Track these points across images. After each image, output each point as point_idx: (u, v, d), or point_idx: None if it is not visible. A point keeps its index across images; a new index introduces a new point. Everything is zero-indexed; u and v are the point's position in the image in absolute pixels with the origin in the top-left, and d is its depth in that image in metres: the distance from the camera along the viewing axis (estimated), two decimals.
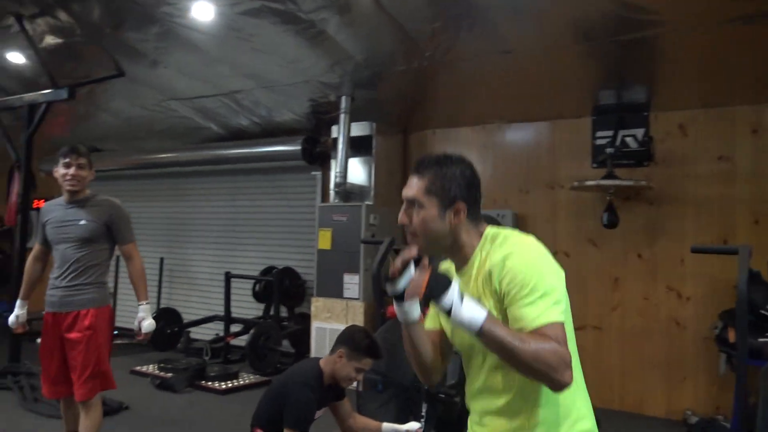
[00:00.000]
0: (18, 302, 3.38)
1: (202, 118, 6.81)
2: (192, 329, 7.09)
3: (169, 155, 7.57)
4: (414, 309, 1.58)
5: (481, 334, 1.40)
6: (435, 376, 1.81)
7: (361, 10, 4.50)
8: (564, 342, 1.41)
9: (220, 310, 7.07)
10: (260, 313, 6.91)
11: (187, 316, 7.14)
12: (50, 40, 5.47)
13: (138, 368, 5.93)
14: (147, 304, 3.29)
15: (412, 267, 1.51)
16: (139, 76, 5.99)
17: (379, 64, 5.20)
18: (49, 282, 3.25)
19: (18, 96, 5.75)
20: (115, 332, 7.57)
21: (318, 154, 6.58)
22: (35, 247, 3.43)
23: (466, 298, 1.42)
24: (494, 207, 5.70)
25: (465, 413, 3.93)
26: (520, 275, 1.47)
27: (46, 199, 9.51)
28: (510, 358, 1.40)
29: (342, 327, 5.59)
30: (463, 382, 3.85)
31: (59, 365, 3.22)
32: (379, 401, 3.51)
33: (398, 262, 1.51)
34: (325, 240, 5.89)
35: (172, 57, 5.50)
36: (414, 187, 1.58)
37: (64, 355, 3.20)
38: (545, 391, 1.50)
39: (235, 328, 6.67)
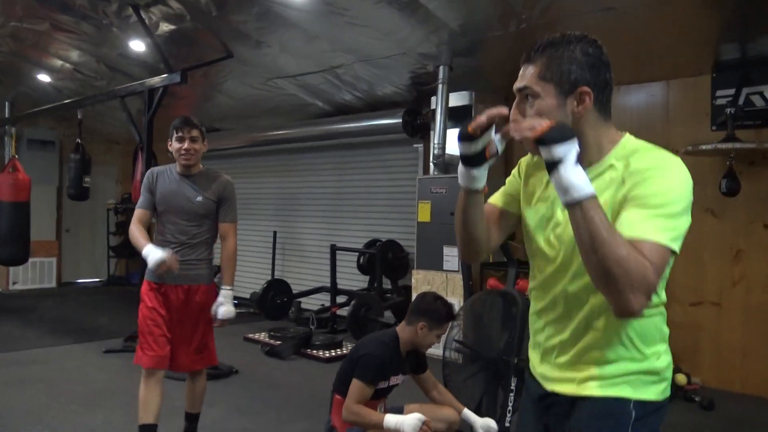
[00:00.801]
0: (148, 246, 2.96)
1: (307, 94, 6.99)
2: (303, 299, 7.40)
3: (279, 132, 7.86)
4: (482, 175, 1.41)
5: (579, 206, 1.19)
6: (480, 253, 1.62)
7: None
8: (659, 269, 1.19)
9: (328, 282, 7.31)
10: (366, 285, 7.06)
11: (298, 287, 7.45)
12: (164, 27, 5.82)
13: (250, 335, 6.28)
14: (231, 289, 3.15)
15: (493, 132, 1.35)
16: (246, 57, 6.24)
17: (475, 30, 5.04)
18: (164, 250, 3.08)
19: (139, 82, 6.20)
20: (235, 302, 8.12)
21: (419, 126, 6.55)
22: (137, 212, 3.19)
23: (579, 166, 1.22)
24: None
25: None
26: (655, 186, 1.25)
27: None
28: (591, 250, 1.18)
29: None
30: None
31: (162, 330, 3.07)
32: (467, 373, 3.48)
33: (484, 117, 1.33)
34: (424, 212, 5.87)
35: (273, 36, 5.67)
36: (526, 76, 1.37)
37: (169, 324, 3.10)
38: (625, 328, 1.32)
39: (341, 299, 6.87)
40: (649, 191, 1.25)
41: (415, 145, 6.81)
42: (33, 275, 9.83)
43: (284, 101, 7.34)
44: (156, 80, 5.91)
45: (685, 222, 1.26)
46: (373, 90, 6.50)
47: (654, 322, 1.39)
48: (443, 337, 3.02)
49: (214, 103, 7.95)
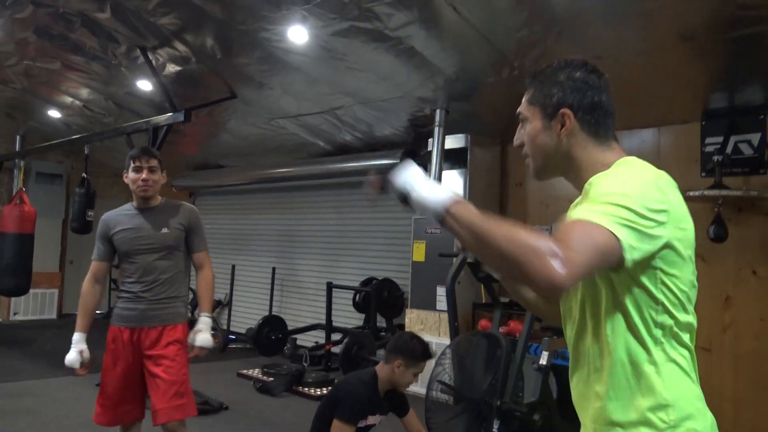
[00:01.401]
0: (76, 336, 2.96)
1: (308, 134, 7.15)
2: (300, 336, 7.42)
3: (280, 170, 8.01)
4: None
5: (446, 215, 1.18)
6: (543, 313, 1.56)
7: (445, 25, 4.53)
8: (575, 241, 1.06)
9: (324, 319, 7.35)
10: (362, 323, 7.09)
11: (295, 324, 7.49)
12: (171, 68, 6.02)
13: (244, 371, 6.30)
14: (209, 317, 2.99)
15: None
16: (249, 98, 6.42)
17: (470, 76, 5.20)
18: (125, 295, 2.94)
19: (145, 120, 6.37)
20: (232, 337, 8.15)
21: None
22: (94, 266, 3.03)
23: (432, 181, 1.24)
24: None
25: None
26: (597, 188, 1.19)
27: None
28: (480, 245, 1.13)
29: (435, 339, 5.65)
30: (543, 401, 3.74)
31: (133, 384, 2.91)
32: (449, 414, 3.50)
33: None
34: (419, 252, 5.94)
35: (275, 78, 5.84)
36: (522, 102, 1.42)
37: (140, 373, 2.91)
38: (641, 376, 1.19)
39: (336, 336, 6.89)
40: (591, 195, 1.20)
41: None
42: (34, 306, 9.91)
43: (286, 140, 7.50)
44: (161, 119, 6.08)
45: (631, 214, 1.11)
46: (372, 131, 6.65)
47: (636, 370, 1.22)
48: (420, 376, 3.05)
49: (218, 140, 8.13)
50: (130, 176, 2.95)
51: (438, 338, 5.64)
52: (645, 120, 5.28)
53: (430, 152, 5.95)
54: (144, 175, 2.92)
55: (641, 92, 4.90)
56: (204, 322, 2.95)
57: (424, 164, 6.51)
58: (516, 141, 1.44)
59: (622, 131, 5.45)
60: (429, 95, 5.60)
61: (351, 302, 7.09)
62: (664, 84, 4.76)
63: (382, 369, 2.89)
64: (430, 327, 5.74)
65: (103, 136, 7.14)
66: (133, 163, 2.95)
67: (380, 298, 6.55)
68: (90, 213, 7.31)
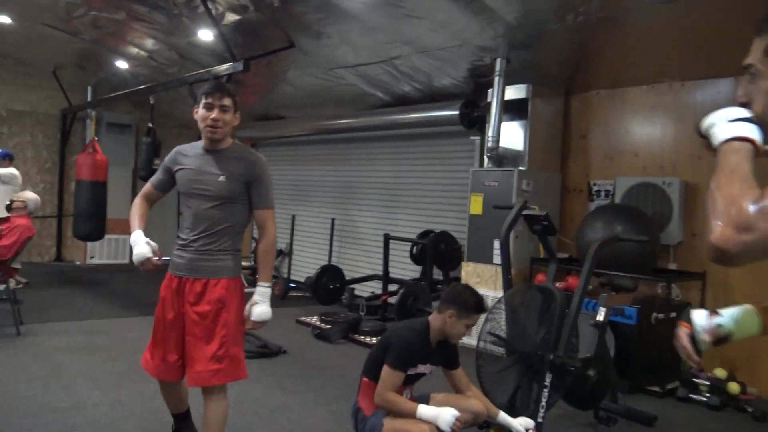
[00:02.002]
0: (135, 234, 2.72)
1: (367, 85, 7.08)
2: (357, 286, 7.54)
3: (339, 121, 8.00)
4: None
5: (719, 150, 1.11)
6: None
7: None
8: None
9: (381, 270, 7.42)
10: (418, 275, 7.12)
11: (353, 274, 7.59)
12: (230, 17, 6.04)
13: (302, 318, 6.47)
14: (268, 287, 2.69)
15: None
16: (307, 47, 6.38)
17: (532, 23, 4.98)
18: (179, 241, 2.74)
19: (206, 69, 6.45)
20: (292, 285, 8.35)
21: (476, 119, 6.52)
22: (146, 186, 2.88)
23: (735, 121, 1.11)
24: (660, 174, 5.24)
25: (600, 389, 3.76)
26: None
27: None
28: (712, 190, 1.05)
29: (491, 293, 5.62)
30: (600, 357, 3.68)
31: (175, 336, 2.69)
32: (500, 366, 3.49)
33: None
34: (476, 205, 5.87)
35: (333, 27, 5.78)
36: (752, 51, 1.16)
37: (181, 327, 2.67)
38: None
39: (393, 287, 6.95)
40: None
41: (471, 138, 6.78)
42: (108, 251, 10.42)
43: (345, 91, 7.46)
44: (221, 68, 6.15)
45: None
46: (431, 81, 6.52)
47: None
48: (474, 329, 3.02)
49: (277, 91, 8.18)
50: (199, 113, 2.65)
51: (494, 292, 5.60)
52: (721, 69, 4.94)
53: (490, 103, 5.79)
54: (214, 114, 2.62)
55: (717, 40, 4.59)
56: (261, 293, 2.67)
57: (483, 115, 6.38)
58: (740, 97, 1.19)
59: (696, 81, 5.16)
60: (489, 43, 5.41)
61: (408, 254, 7.11)
62: (742, 29, 4.43)
63: (435, 319, 2.88)
64: (486, 280, 5.70)
65: (166, 86, 7.29)
66: (205, 99, 2.64)
67: (437, 251, 6.53)
68: (156, 161, 7.53)
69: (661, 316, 4.57)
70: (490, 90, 5.95)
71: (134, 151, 10.66)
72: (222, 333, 2.61)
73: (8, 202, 5.69)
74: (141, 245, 2.66)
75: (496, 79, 5.58)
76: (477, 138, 6.75)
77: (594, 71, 5.67)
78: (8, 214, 5.61)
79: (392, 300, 6.76)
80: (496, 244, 5.64)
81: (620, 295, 4.42)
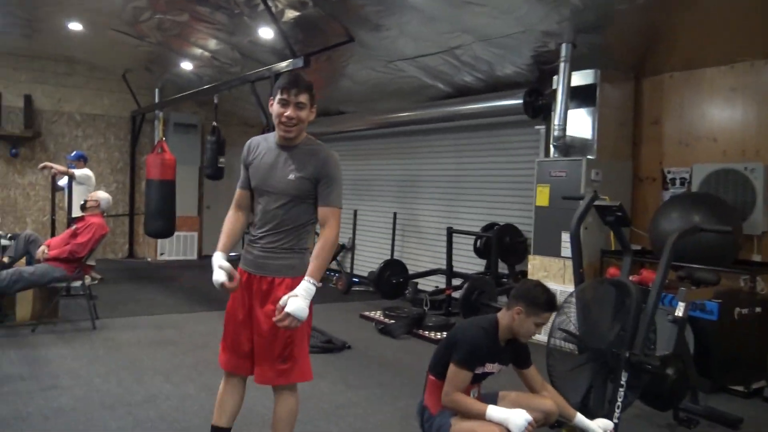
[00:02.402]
0: (215, 256, 2.59)
1: (427, 76, 6.97)
2: (420, 281, 7.47)
3: (400, 115, 7.92)
4: None
5: None
6: None
7: None
8: None
9: (444, 263, 7.32)
10: (483, 269, 6.98)
11: (416, 269, 7.52)
12: (289, 14, 6.05)
13: (366, 313, 6.45)
14: (313, 284, 2.45)
15: None
16: (367, 41, 6.34)
17: (600, 4, 4.75)
18: (250, 236, 2.69)
19: (267, 67, 6.51)
20: (355, 279, 8.36)
21: (541, 107, 6.32)
22: (237, 193, 2.76)
23: None
24: (742, 159, 4.92)
25: (679, 388, 3.56)
26: None
27: None
28: None
29: (559, 287, 5.44)
30: (678, 355, 3.48)
31: (245, 331, 2.64)
32: (572, 363, 3.34)
33: None
34: (543, 196, 5.68)
35: (392, 19, 5.70)
36: None
37: (251, 324, 2.63)
38: None
39: (456, 282, 6.85)
40: None
41: (536, 127, 6.58)
42: (177, 247, 10.73)
43: (405, 83, 7.38)
44: (281, 65, 6.18)
45: None
46: (493, 70, 6.35)
47: None
48: (545, 328, 2.88)
49: (337, 86, 8.18)
50: (274, 108, 2.53)
51: (563, 286, 5.41)
52: None
53: (555, 90, 5.59)
54: (289, 112, 2.49)
55: None
56: (305, 288, 2.42)
57: (548, 103, 6.19)
58: None
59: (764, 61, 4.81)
60: (554, 28, 5.21)
61: (471, 247, 6.98)
62: None
63: (503, 316, 2.77)
64: (554, 274, 5.52)
65: (229, 85, 7.40)
66: (280, 94, 2.51)
67: (502, 244, 6.38)
68: (221, 160, 7.69)
69: (744, 311, 4.28)
70: (555, 77, 5.76)
71: (200, 149, 10.94)
72: (287, 334, 2.53)
73: (82, 202, 5.89)
74: (216, 271, 2.55)
75: (562, 65, 5.38)
76: (542, 127, 6.55)
77: (667, 53, 5.37)
78: (83, 214, 5.81)
79: (456, 294, 6.66)
80: (565, 236, 5.46)
81: (700, 289, 4.15)
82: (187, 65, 8.64)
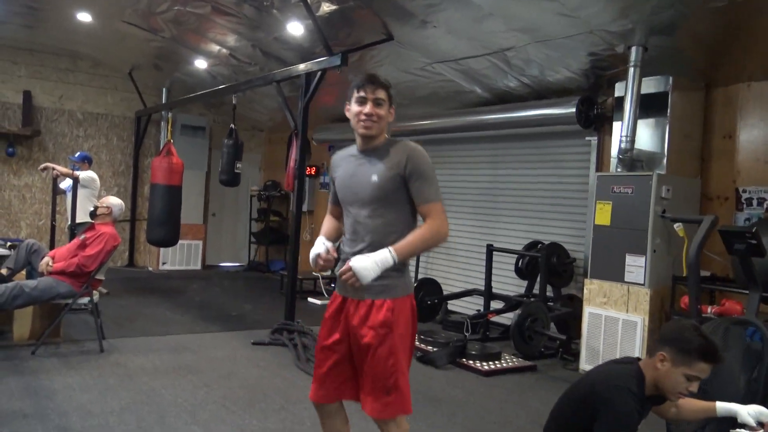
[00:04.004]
0: (319, 238, 2.52)
1: (466, 80, 6.46)
2: (450, 302, 6.92)
3: (431, 121, 7.39)
4: None
5: None
6: None
7: None
8: None
9: (478, 284, 6.78)
10: (521, 290, 6.45)
11: (445, 288, 6.97)
12: (326, 7, 5.52)
13: None
14: (393, 256, 2.25)
15: None
16: (407, 39, 5.81)
17: (675, 3, 4.25)
18: (342, 255, 2.49)
19: (299, 65, 5.95)
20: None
21: (594, 117, 5.82)
22: (329, 207, 2.69)
23: None
24: None
25: None
26: None
27: (318, 168, 10.10)
28: None
29: (621, 315, 4.89)
30: None
31: (343, 360, 2.44)
32: (695, 424, 2.79)
33: None
34: (603, 214, 5.15)
35: (441, 15, 5.18)
36: None
37: (347, 349, 2.43)
38: None
39: (494, 304, 6.30)
40: None
41: (587, 138, 6.07)
42: (181, 257, 10.11)
43: (439, 88, 6.86)
44: (313, 64, 5.64)
45: None
46: (543, 75, 5.84)
47: None
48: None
49: None
50: (352, 109, 2.40)
51: (625, 314, 4.89)
52: None
53: (621, 98, 5.08)
54: (367, 109, 2.33)
55: None
56: (381, 255, 2.24)
57: (605, 114, 5.70)
58: None
59: None
60: (626, 28, 4.71)
61: (509, 267, 6.45)
62: None
63: (646, 366, 2.21)
64: (615, 301, 4.98)
65: (251, 84, 6.84)
66: (357, 93, 2.37)
67: (549, 265, 5.84)
68: (238, 165, 7.13)
69: None
70: (618, 83, 5.27)
71: (207, 154, 10.38)
72: (390, 362, 2.31)
73: (92, 209, 5.30)
74: (317, 244, 2.46)
75: (631, 69, 4.87)
76: (593, 138, 6.05)
77: (744, 60, 4.88)
78: (91, 221, 5.22)
79: (496, 318, 6.13)
80: (629, 259, 4.93)
81: None
82: (201, 63, 8.07)
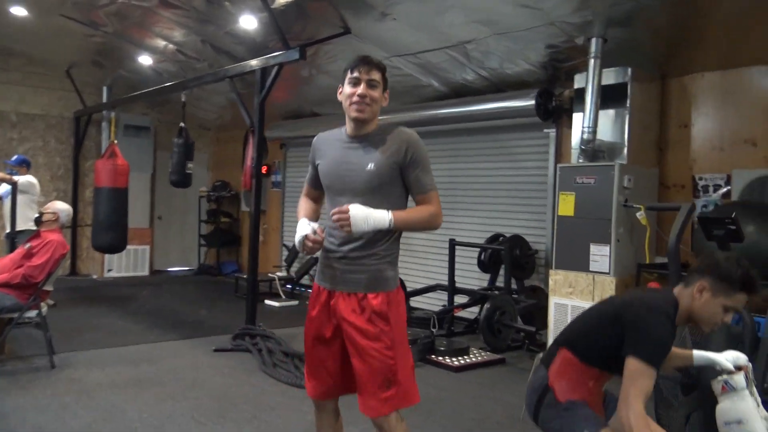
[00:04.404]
0: (302, 220, 2.33)
1: (424, 74, 6.39)
2: (413, 298, 6.85)
3: (388, 117, 7.25)
4: None
5: None
6: None
7: None
8: None
9: (439, 279, 6.74)
10: (482, 283, 6.45)
11: (407, 285, 6.89)
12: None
13: None
14: (389, 218, 2.18)
15: None
16: (365, 32, 5.70)
17: None
18: (326, 246, 2.33)
19: (251, 60, 5.75)
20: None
21: (553, 110, 5.86)
22: (305, 188, 2.54)
23: None
24: None
25: None
26: None
27: (269, 167, 9.83)
28: None
29: (587, 304, 4.92)
30: None
31: (329, 356, 2.34)
32: (683, 409, 2.80)
33: None
34: (566, 205, 5.18)
35: (402, 7, 5.09)
36: None
37: (340, 344, 2.32)
38: None
39: (458, 298, 6.27)
40: None
41: (545, 130, 6.11)
42: (127, 263, 9.69)
43: (396, 83, 6.74)
44: (270, 58, 5.45)
45: None
46: (502, 68, 5.83)
47: None
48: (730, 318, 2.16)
49: (315, 85, 7.46)
50: (344, 91, 2.29)
51: (591, 303, 4.90)
52: None
53: (582, 89, 5.11)
54: (360, 90, 2.23)
55: None
56: (380, 214, 2.18)
57: (563, 107, 5.75)
58: None
59: None
60: (585, 20, 4.73)
61: (471, 261, 6.43)
62: None
63: (681, 294, 2.14)
64: (581, 291, 5.02)
65: (202, 81, 6.58)
66: (350, 74, 2.26)
67: (512, 257, 5.84)
68: (190, 165, 6.85)
69: None
70: (578, 75, 5.32)
71: (152, 155, 9.98)
72: (388, 355, 2.23)
73: (37, 215, 4.96)
74: (301, 225, 2.30)
75: (592, 61, 4.90)
76: (552, 130, 6.08)
77: (698, 51, 4.99)
78: (35, 228, 4.89)
79: (463, 313, 6.11)
80: (594, 249, 4.97)
81: None
82: (145, 59, 7.72)
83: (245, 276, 8.47)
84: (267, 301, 7.81)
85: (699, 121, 5.15)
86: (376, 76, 2.27)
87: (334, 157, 2.33)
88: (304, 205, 2.52)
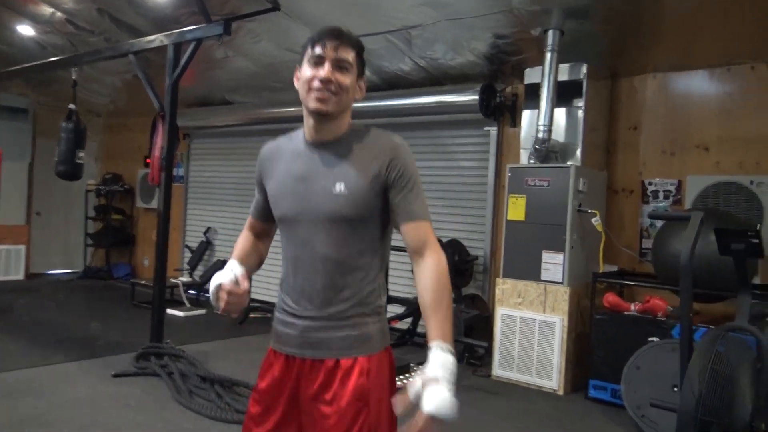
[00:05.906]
0: (230, 263, 1.67)
1: None
2: None
3: (295, 109, 6.64)
4: None
5: None
6: None
7: None
8: None
9: None
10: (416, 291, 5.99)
11: None
12: None
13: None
14: (448, 351, 1.44)
15: None
16: (297, 9, 5.06)
17: None
18: (279, 297, 1.72)
19: (160, 35, 4.93)
20: (254, 304, 6.87)
21: (495, 106, 5.50)
22: (248, 220, 1.86)
23: None
24: (739, 171, 4.47)
25: None
26: None
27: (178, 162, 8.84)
28: None
29: (538, 315, 4.57)
30: None
31: None
32: None
33: None
34: (517, 209, 4.82)
35: None
36: None
37: (299, 427, 1.65)
38: None
39: (392, 308, 5.77)
40: None
41: (486, 128, 5.74)
42: None
43: None
44: (189, 32, 4.68)
45: None
46: (445, 58, 5.39)
47: None
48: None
49: (230, 69, 6.69)
50: (302, 74, 1.60)
51: (542, 315, 4.59)
52: None
53: (534, 86, 4.78)
54: (324, 72, 1.55)
55: None
56: (441, 362, 1.42)
57: (507, 103, 5.43)
58: None
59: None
60: (544, 7, 4.37)
61: (405, 268, 5.94)
62: None
63: None
64: (531, 301, 4.67)
65: (98, 56, 5.63)
66: (311, 50, 1.57)
67: (451, 264, 5.42)
68: (81, 154, 5.87)
69: None
70: (528, 70, 5.00)
71: (31, 142, 8.72)
72: None
73: None
74: (220, 273, 1.61)
75: (548, 54, 4.56)
76: (493, 128, 5.72)
77: (649, 51, 4.80)
78: None
79: (401, 324, 5.62)
80: (546, 256, 4.65)
81: None
82: (26, 29, 6.58)
83: (143, 282, 7.60)
84: (169, 310, 6.91)
85: (649, 124, 4.96)
86: (347, 55, 1.58)
87: (288, 174, 1.65)
88: (240, 242, 1.82)
